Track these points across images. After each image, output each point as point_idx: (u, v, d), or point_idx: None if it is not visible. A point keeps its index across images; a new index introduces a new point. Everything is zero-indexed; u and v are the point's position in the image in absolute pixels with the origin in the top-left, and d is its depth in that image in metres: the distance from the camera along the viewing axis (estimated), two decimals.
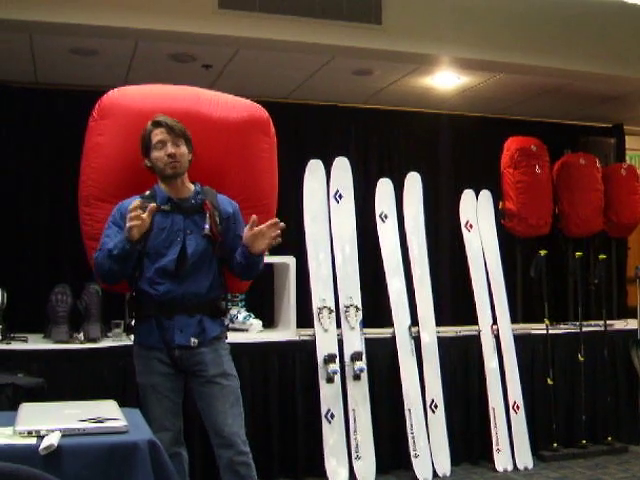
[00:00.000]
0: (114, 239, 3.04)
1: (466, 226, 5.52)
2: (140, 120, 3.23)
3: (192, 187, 3.20)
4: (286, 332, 4.89)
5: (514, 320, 5.61)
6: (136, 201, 2.95)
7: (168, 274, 3.08)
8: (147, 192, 3.15)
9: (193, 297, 3.10)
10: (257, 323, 4.93)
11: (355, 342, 4.90)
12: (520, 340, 5.40)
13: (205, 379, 3.13)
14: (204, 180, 3.25)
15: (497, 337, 5.31)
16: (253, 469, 3.12)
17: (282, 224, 3.08)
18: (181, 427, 3.16)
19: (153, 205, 2.98)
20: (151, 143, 3.12)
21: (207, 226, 3.11)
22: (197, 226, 3.14)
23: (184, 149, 3.14)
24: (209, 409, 3.12)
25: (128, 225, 2.92)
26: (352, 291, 5.01)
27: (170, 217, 3.12)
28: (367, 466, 4.77)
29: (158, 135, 3.11)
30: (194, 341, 3.09)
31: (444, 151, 6.47)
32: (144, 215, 2.93)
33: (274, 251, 3.56)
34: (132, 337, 3.29)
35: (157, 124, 3.12)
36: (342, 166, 5.16)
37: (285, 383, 4.73)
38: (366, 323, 5.00)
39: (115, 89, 3.45)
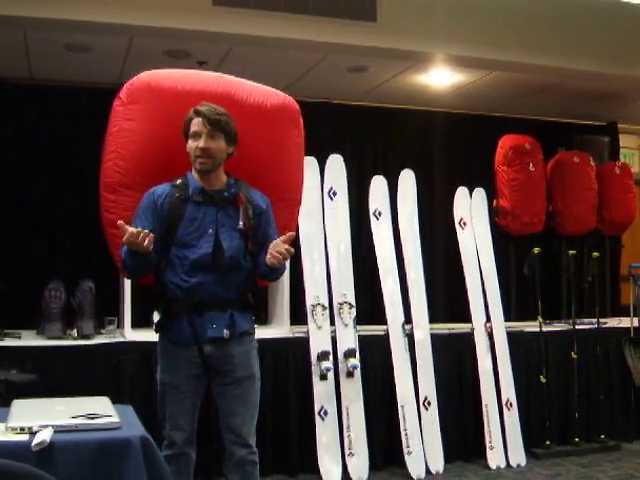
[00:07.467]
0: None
1: (460, 224, 5.53)
2: (174, 103, 3.13)
3: (225, 179, 3.12)
4: (280, 329, 4.90)
5: (507, 318, 5.61)
6: (141, 233, 2.81)
7: (201, 268, 2.99)
8: (178, 181, 3.07)
9: (225, 293, 3.03)
10: None
11: (349, 339, 4.91)
12: (513, 338, 5.42)
13: (231, 379, 3.07)
14: (235, 167, 3.13)
15: (490, 335, 5.32)
16: (257, 467, 3.12)
17: (289, 249, 2.94)
18: (194, 428, 3.11)
19: (152, 236, 2.84)
20: (189, 131, 3.03)
21: (241, 222, 3.04)
22: (230, 220, 3.06)
23: (221, 144, 3.02)
24: (228, 409, 3.08)
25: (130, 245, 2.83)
26: (346, 288, 5.02)
27: (202, 208, 3.04)
28: (360, 463, 4.78)
29: (195, 125, 3.00)
30: (226, 332, 3.02)
31: (438, 149, 6.46)
32: (145, 243, 2.81)
33: None
34: (155, 331, 3.18)
35: (197, 113, 3.00)
36: (336, 163, 5.18)
37: (278, 380, 4.73)
38: (360, 320, 5.01)
39: (144, 72, 3.27)
